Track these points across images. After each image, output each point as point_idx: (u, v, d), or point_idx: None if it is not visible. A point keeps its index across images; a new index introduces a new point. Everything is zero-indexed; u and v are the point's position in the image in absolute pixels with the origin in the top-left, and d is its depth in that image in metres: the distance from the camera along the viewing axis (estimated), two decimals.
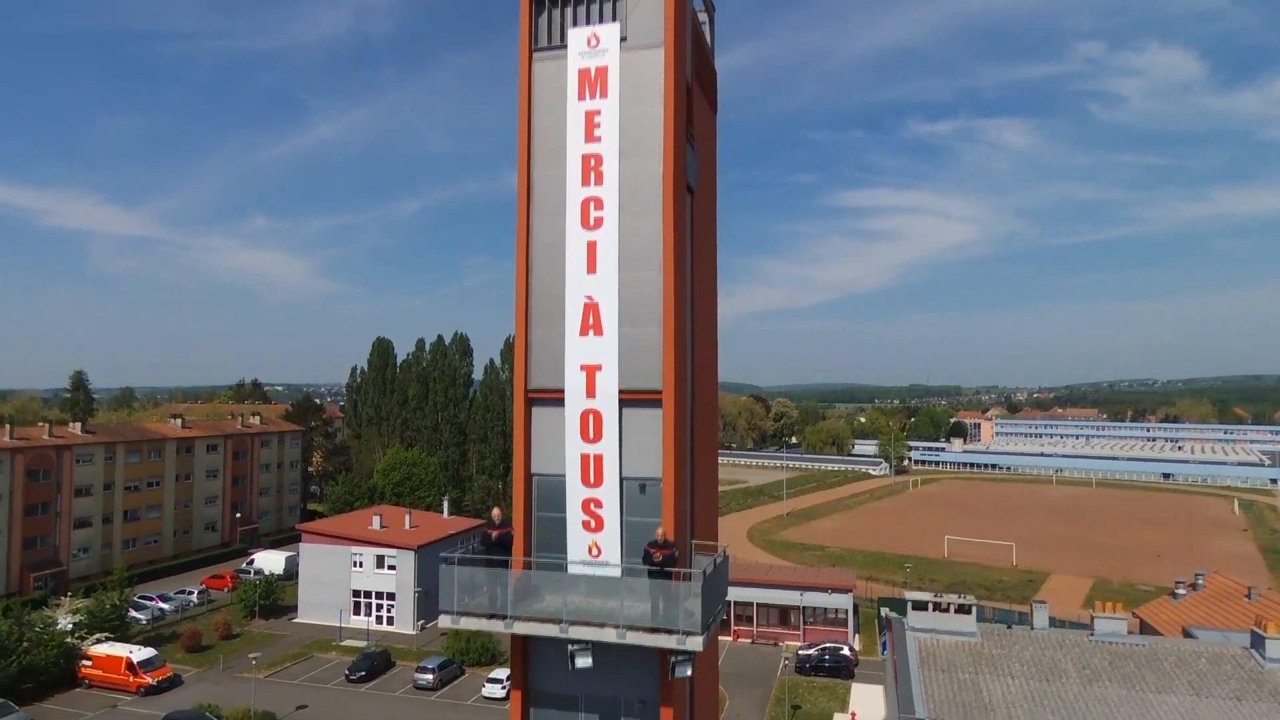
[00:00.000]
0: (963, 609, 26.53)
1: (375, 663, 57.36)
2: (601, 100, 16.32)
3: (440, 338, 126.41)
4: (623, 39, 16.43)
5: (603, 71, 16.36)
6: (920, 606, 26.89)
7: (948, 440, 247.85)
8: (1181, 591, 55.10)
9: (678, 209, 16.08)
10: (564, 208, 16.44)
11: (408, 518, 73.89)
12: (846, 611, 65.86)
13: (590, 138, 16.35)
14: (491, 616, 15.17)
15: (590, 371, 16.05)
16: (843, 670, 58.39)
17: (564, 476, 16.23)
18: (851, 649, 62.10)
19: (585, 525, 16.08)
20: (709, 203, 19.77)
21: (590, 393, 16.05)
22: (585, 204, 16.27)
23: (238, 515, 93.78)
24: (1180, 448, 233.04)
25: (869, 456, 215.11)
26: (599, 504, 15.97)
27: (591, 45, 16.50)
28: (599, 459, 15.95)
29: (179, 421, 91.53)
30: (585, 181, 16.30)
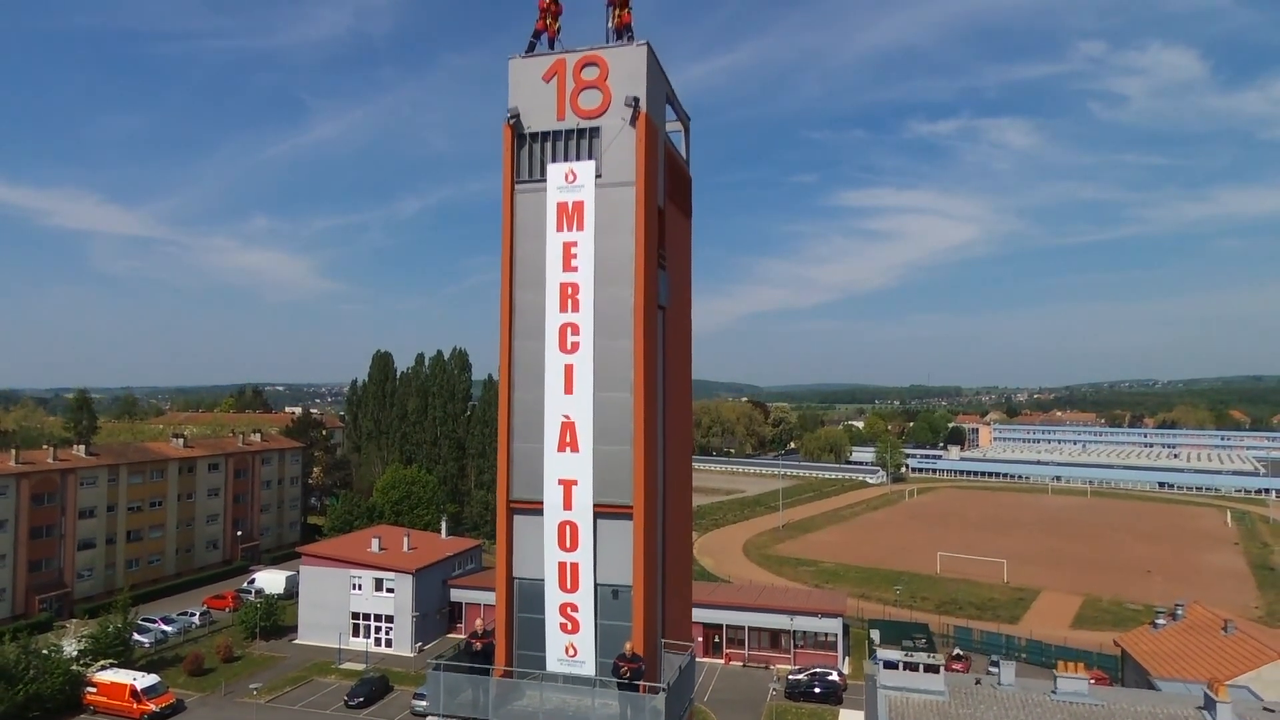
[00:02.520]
0: (931, 668, 27.75)
1: (374, 688, 58.39)
2: (578, 233, 17.58)
3: (440, 352, 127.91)
4: (598, 176, 17.68)
5: (579, 206, 17.61)
6: (891, 665, 28.11)
7: (945, 448, 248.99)
8: (1161, 621, 56.32)
9: (648, 335, 17.34)
10: (543, 331, 17.69)
11: (406, 539, 75.00)
12: (836, 635, 66.93)
13: (568, 267, 17.61)
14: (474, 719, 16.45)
15: (567, 486, 17.32)
16: (831, 696, 59.42)
17: (543, 581, 17.50)
18: (840, 673, 63.07)
19: (563, 627, 17.35)
20: (683, 313, 21.03)
21: (567, 505, 17.31)
22: (563, 329, 17.52)
23: (239, 533, 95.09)
24: (1176, 455, 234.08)
25: (866, 465, 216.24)
26: (575, 608, 17.24)
27: (569, 180, 17.74)
28: (575, 567, 17.22)
29: (181, 441, 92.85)
30: (563, 308, 17.55)
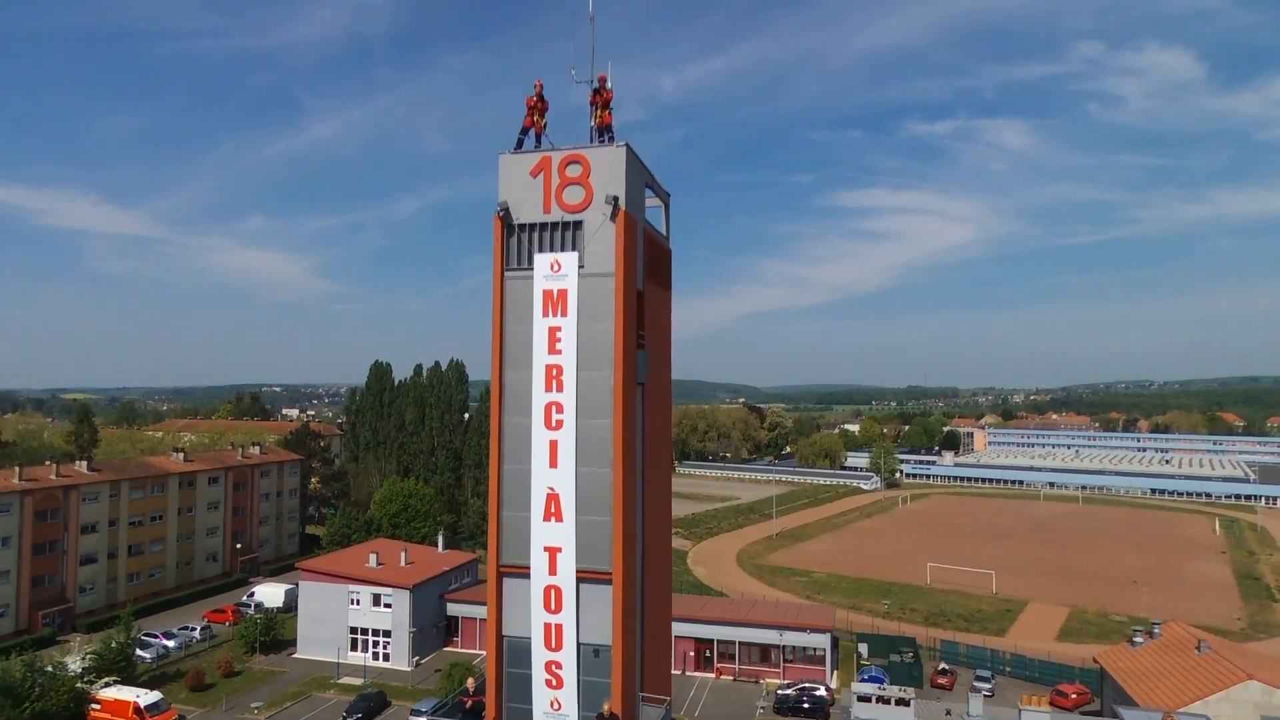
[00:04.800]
0: (901, 701, 29.19)
1: (371, 704, 59.47)
2: (562, 318, 19.02)
3: (437, 363, 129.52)
4: (581, 266, 19.13)
5: (564, 293, 19.05)
6: (864, 698, 29.54)
7: (939, 453, 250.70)
8: (1139, 640, 57.89)
9: (627, 414, 18.79)
10: (530, 408, 19.12)
11: (403, 554, 76.24)
12: (824, 650, 68.25)
13: (553, 350, 19.06)
14: None
15: (552, 553, 18.78)
16: (819, 711, 60.74)
17: (530, 640, 18.94)
18: (828, 688, 64.37)
19: (548, 683, 18.81)
20: (662, 384, 22.46)
21: (552, 570, 18.77)
22: (548, 407, 18.97)
23: (238, 545, 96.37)
24: (1169, 460, 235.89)
25: (861, 470, 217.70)
26: (559, 665, 18.70)
27: (554, 270, 19.19)
28: (559, 627, 18.67)
29: (181, 455, 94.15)
30: (548, 388, 19.00)
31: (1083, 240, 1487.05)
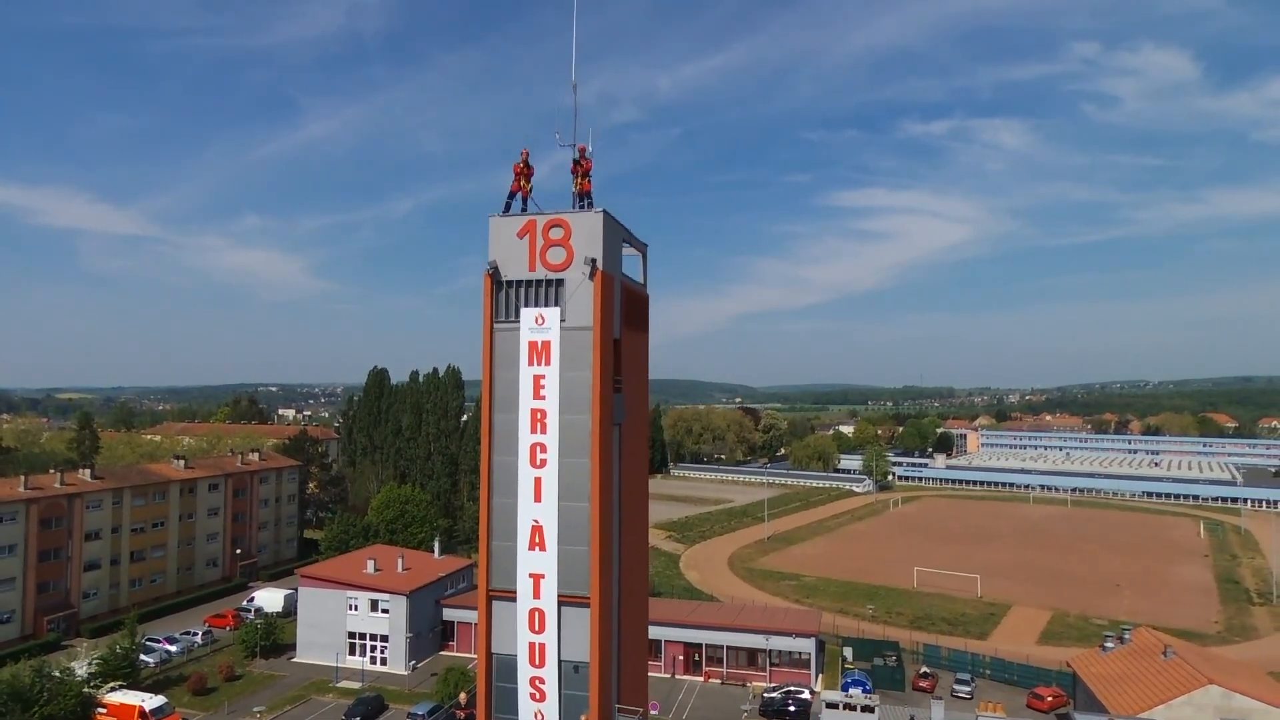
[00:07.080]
0: (867, 709, 31.24)
1: (370, 707, 61.21)
2: (546, 367, 21.04)
3: (435, 370, 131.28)
4: (562, 320, 21.16)
5: (547, 345, 21.07)
6: (832, 706, 31.58)
7: (932, 454, 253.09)
8: (1110, 645, 60.11)
9: (604, 453, 20.81)
10: (517, 448, 21.12)
11: (400, 560, 78.04)
12: (809, 654, 70.21)
13: (537, 396, 21.07)
14: None
15: (536, 579, 20.80)
16: (802, 714, 62.68)
17: (516, 657, 20.94)
18: (813, 692, 66.31)
19: (532, 696, 20.81)
20: (640, 421, 24.47)
21: (536, 595, 20.78)
22: (533, 448, 20.97)
23: (238, 550, 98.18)
24: (1158, 463, 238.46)
25: (853, 473, 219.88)
26: (542, 681, 20.71)
27: (539, 323, 21.21)
28: (542, 646, 20.68)
29: (181, 462, 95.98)
30: (533, 430, 21.01)
31: (1079, 240, 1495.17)
